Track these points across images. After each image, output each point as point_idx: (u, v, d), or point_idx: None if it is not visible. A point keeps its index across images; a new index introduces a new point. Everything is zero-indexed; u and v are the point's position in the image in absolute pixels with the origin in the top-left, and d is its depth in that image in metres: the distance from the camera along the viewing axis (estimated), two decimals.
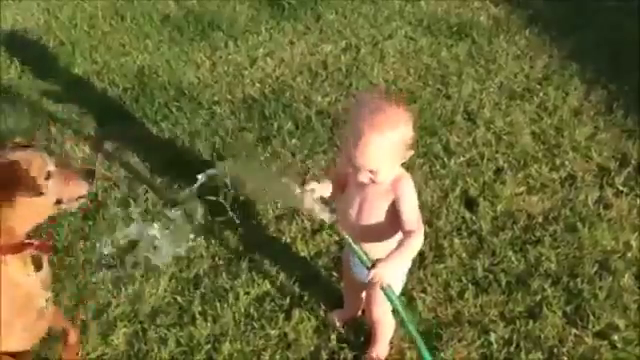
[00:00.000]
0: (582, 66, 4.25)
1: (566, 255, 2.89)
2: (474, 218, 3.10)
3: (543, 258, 2.88)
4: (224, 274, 2.88)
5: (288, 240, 3.04)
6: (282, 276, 2.86)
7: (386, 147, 1.91)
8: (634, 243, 2.92)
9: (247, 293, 2.79)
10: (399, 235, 2.13)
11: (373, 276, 1.95)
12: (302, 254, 2.97)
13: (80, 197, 2.13)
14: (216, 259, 2.97)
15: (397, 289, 2.23)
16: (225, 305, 2.74)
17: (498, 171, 3.40)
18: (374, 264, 1.97)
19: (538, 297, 2.71)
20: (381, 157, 1.93)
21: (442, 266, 2.86)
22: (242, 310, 2.72)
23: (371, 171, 1.96)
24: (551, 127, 3.72)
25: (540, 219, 3.09)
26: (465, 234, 3.03)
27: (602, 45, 4.40)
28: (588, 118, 3.78)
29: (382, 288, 2.01)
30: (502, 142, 3.60)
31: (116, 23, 5.11)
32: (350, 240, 2.00)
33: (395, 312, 2.09)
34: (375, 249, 2.04)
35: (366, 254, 2.01)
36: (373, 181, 1.99)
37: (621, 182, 3.28)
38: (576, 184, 3.30)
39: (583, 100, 3.94)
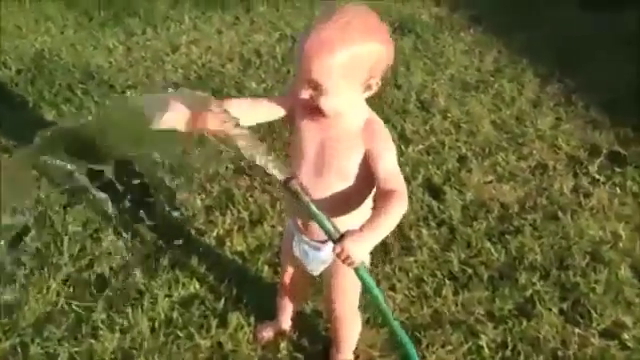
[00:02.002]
0: (532, 61, 3.96)
1: (551, 246, 2.47)
2: (442, 207, 2.63)
3: (526, 249, 2.44)
4: (138, 273, 2.24)
5: (221, 232, 2.45)
6: (214, 275, 2.26)
7: (339, 58, 1.38)
8: (623, 233, 2.54)
9: (169, 296, 2.17)
10: (368, 207, 1.61)
11: (340, 252, 1.38)
12: (239, 248, 2.39)
13: None
14: (128, 256, 2.33)
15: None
16: (139, 311, 2.10)
17: (462, 159, 2.98)
18: (343, 236, 1.40)
19: (528, 292, 2.25)
20: (331, 69, 1.39)
21: (411, 259, 2.36)
22: (162, 316, 2.09)
23: (314, 86, 1.42)
24: (511, 117, 3.37)
25: (516, 208, 2.67)
26: (433, 224, 2.55)
27: (549, 41, 4.15)
28: (548, 109, 3.46)
29: (355, 268, 1.46)
30: (462, 130, 3.20)
31: (13, 7, 4.40)
32: (311, 204, 1.43)
33: (370, 298, 1.54)
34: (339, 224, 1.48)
35: (333, 224, 1.44)
36: (314, 102, 1.44)
37: (595, 171, 2.92)
38: (548, 173, 2.92)
39: (539, 93, 3.64)
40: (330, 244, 1.65)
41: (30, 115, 3.17)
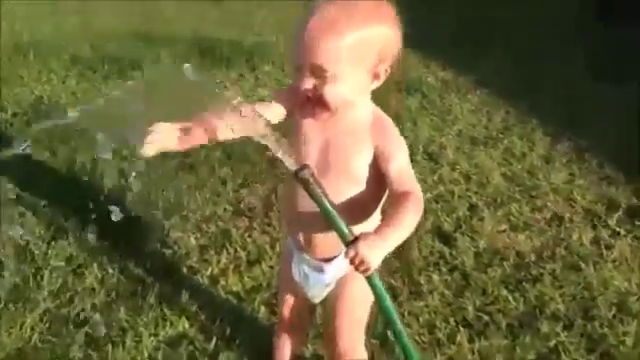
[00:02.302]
0: (542, 121, 3.87)
1: (573, 296, 2.28)
2: (453, 253, 2.45)
3: (546, 298, 2.25)
4: (122, 310, 2.04)
5: (216, 271, 2.26)
6: (205, 314, 2.06)
7: (347, 40, 1.27)
8: None
9: (154, 334, 1.96)
10: (378, 218, 1.46)
11: (354, 256, 1.22)
12: (234, 288, 2.19)
13: None
14: (112, 294, 2.13)
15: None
16: (120, 349, 1.89)
17: (472, 208, 2.82)
18: (356, 239, 1.25)
19: (551, 342, 2.04)
20: (338, 52, 1.27)
21: (422, 304, 2.16)
22: (145, 355, 1.88)
23: (319, 74, 1.29)
24: (523, 171, 3.23)
25: (533, 257, 2.49)
26: (445, 270, 2.37)
27: (556, 104, 4.08)
28: (561, 165, 3.33)
29: (367, 277, 1.29)
30: (472, 181, 3.06)
31: (17, 60, 4.39)
32: (324, 198, 1.28)
33: (381, 311, 1.36)
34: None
35: (347, 225, 1.29)
36: (318, 92, 1.31)
37: (615, 224, 2.76)
38: (564, 225, 2.75)
39: (550, 150, 3.52)
40: (334, 263, 1.49)
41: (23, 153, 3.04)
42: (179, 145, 1.29)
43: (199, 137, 1.31)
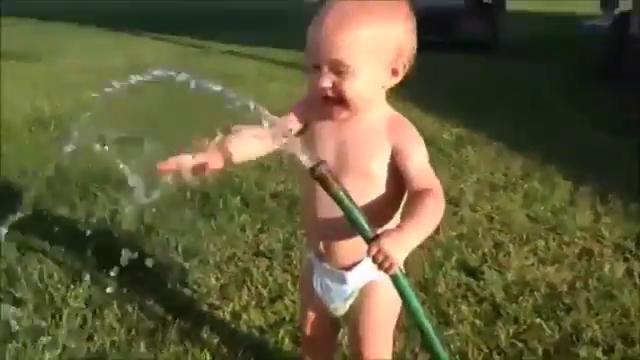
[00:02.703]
0: (560, 168, 3.84)
1: (611, 322, 2.18)
2: (481, 284, 2.38)
3: (583, 325, 2.15)
4: (142, 345, 1.97)
5: (237, 308, 2.20)
6: (228, 347, 1.99)
7: (365, 32, 1.29)
8: None
9: None
10: (397, 220, 1.42)
11: (377, 252, 1.19)
12: (257, 323, 2.12)
13: None
14: (132, 332, 2.07)
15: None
16: None
17: (497, 245, 2.76)
18: (377, 236, 1.22)
19: None
20: (357, 44, 1.28)
21: (452, 332, 2.08)
22: None
23: (338, 69, 1.29)
24: (546, 211, 3.18)
25: (565, 287, 2.40)
26: (473, 300, 2.29)
27: (572, 153, 4.07)
28: (585, 205, 3.27)
29: (392, 276, 1.24)
30: (495, 221, 3.02)
31: (38, 130, 4.52)
32: (342, 193, 1.25)
33: (409, 312, 1.30)
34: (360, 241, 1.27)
35: (367, 222, 1.26)
36: (338, 88, 1.30)
37: None
38: (594, 258, 2.68)
39: (573, 193, 3.46)
40: (356, 271, 1.45)
41: (42, 209, 3.06)
42: (194, 175, 1.31)
43: (215, 164, 1.33)
